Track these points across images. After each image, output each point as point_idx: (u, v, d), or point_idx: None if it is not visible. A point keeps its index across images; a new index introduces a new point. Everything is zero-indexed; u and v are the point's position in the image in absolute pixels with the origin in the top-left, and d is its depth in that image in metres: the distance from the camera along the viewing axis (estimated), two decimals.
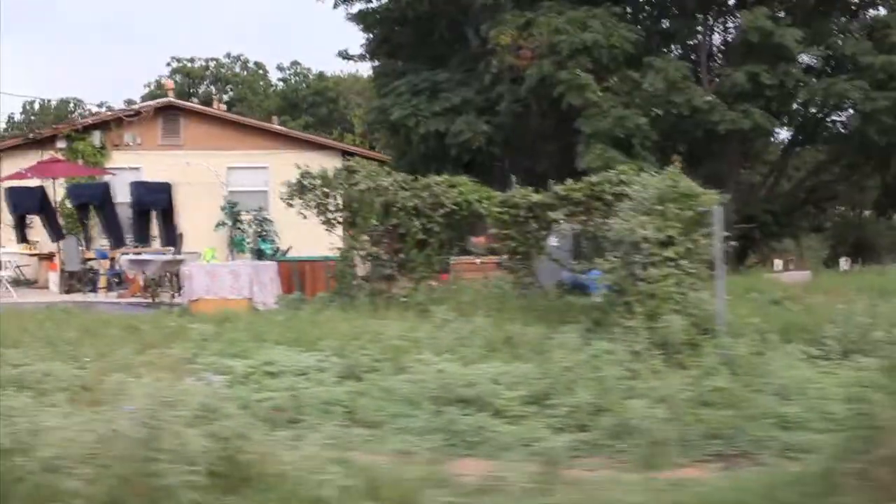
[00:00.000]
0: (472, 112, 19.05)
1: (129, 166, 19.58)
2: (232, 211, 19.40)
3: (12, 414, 4.22)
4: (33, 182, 17.01)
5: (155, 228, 11.94)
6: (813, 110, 21.45)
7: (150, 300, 16.07)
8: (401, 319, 9.82)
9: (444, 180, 11.49)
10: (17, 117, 62.34)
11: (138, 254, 18.10)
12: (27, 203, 12.56)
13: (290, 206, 11.95)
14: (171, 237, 12.13)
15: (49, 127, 19.99)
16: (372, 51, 28.00)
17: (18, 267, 18.12)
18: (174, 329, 9.68)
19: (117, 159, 20.06)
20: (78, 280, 18.05)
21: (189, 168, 19.56)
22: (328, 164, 20.52)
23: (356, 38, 72.72)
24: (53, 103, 62.45)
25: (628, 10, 20.25)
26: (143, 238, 12.11)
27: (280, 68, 50.70)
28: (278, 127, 20.30)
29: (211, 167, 19.70)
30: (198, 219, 18.73)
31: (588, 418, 5.66)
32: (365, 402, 6.16)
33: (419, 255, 11.59)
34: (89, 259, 18.21)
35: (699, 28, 20.53)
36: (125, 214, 18.57)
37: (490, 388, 6.13)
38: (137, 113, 19.47)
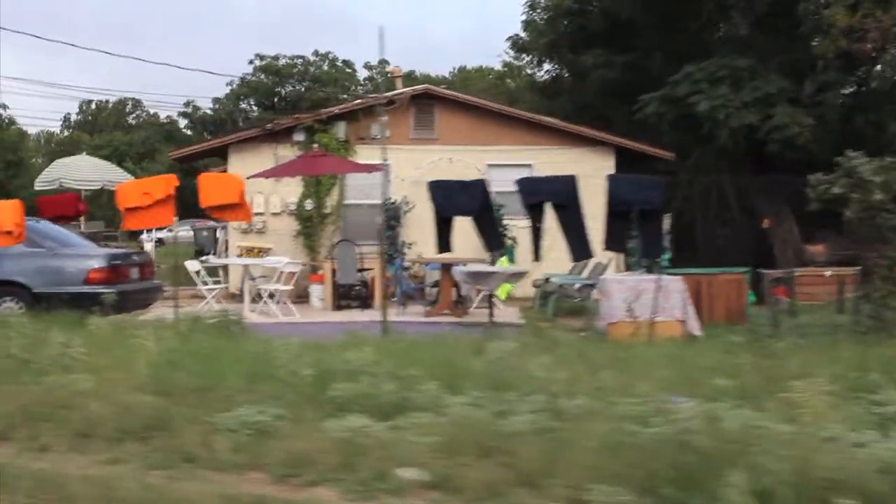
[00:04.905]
0: (784, 103, 16.62)
1: (374, 162, 17.00)
2: (498, 214, 16.81)
3: None
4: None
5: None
6: None
7: (470, 320, 13.58)
8: None
9: None
10: (74, 117, 59.54)
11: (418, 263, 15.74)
12: (463, 202, 9.91)
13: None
14: (653, 245, 9.56)
15: (290, 117, 17.34)
16: (552, 42, 25.96)
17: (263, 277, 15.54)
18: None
19: (361, 154, 17.47)
20: (348, 294, 15.48)
21: (451, 166, 17.07)
22: (601, 162, 18.04)
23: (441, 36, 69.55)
24: (110, 103, 59.75)
25: None
26: (618, 246, 9.56)
27: (367, 67, 48.26)
28: (549, 119, 17.72)
29: (474, 164, 17.20)
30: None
31: None
32: None
33: None
34: (363, 270, 15.65)
35: None
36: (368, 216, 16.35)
37: None
38: (391, 102, 16.85)
